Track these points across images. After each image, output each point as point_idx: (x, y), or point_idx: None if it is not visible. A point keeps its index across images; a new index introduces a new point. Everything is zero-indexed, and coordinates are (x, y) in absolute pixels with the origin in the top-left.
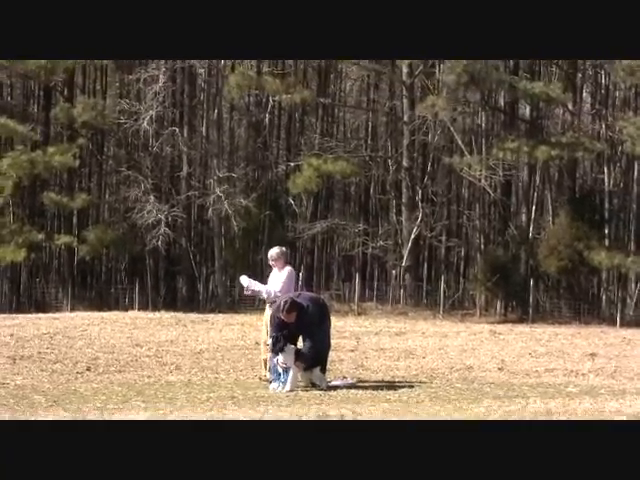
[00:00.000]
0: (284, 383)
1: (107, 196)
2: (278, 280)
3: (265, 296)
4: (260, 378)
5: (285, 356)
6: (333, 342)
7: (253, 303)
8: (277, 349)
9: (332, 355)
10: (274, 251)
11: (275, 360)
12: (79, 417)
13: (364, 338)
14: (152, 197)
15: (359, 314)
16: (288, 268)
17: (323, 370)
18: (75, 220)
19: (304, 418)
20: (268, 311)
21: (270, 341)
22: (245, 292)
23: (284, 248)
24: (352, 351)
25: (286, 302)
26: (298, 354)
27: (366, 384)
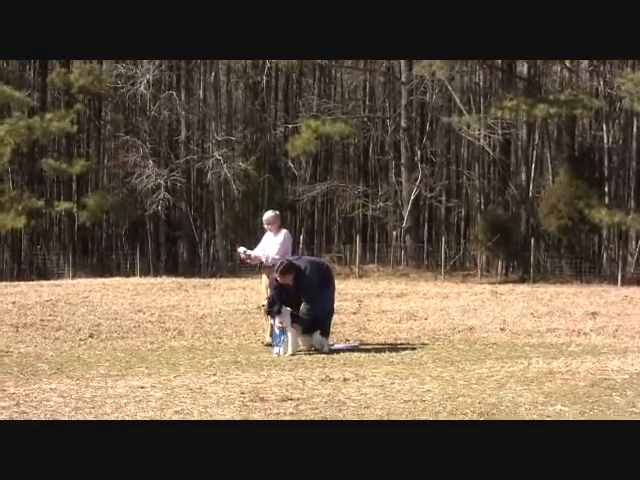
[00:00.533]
0: (282, 345)
1: (106, 161)
2: (275, 243)
3: (263, 260)
4: (262, 342)
5: (281, 317)
6: (335, 305)
7: (254, 267)
8: (273, 311)
9: (334, 318)
10: (269, 215)
11: (272, 321)
12: (83, 384)
13: (366, 300)
14: (151, 162)
15: (360, 276)
16: (284, 231)
17: (326, 334)
18: (74, 186)
19: (308, 382)
20: (264, 277)
21: (266, 302)
22: (242, 255)
23: (277, 212)
24: (354, 314)
25: (282, 263)
26: (295, 317)
27: (369, 346)
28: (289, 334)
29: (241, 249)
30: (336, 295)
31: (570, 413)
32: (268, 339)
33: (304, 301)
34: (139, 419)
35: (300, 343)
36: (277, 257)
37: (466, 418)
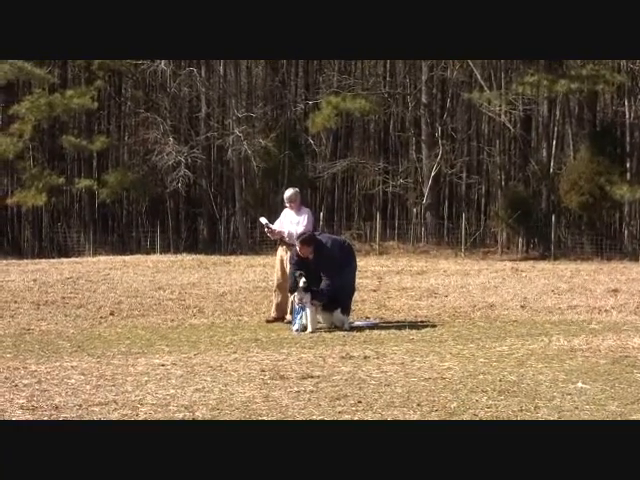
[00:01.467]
0: (301, 322)
1: (126, 138)
2: (298, 222)
3: (287, 238)
4: (267, 320)
5: (302, 294)
6: (356, 283)
7: (274, 244)
8: (294, 287)
9: (354, 295)
10: (290, 192)
11: (292, 298)
12: (104, 362)
13: (386, 278)
14: (171, 139)
15: (380, 253)
16: (307, 210)
17: (347, 312)
18: (95, 163)
19: (328, 360)
20: (280, 252)
21: (290, 280)
22: (265, 229)
23: (297, 189)
24: (374, 291)
25: (303, 234)
26: (315, 293)
27: (389, 324)
28: (309, 312)
29: (263, 220)
30: (357, 273)
31: (591, 391)
32: (288, 316)
33: (324, 277)
34: (142, 419)
35: (320, 320)
36: None
37: (486, 396)
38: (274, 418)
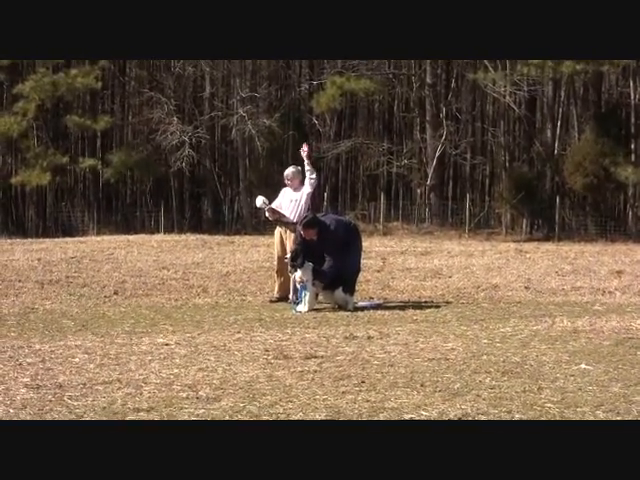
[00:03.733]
0: (301, 302)
1: (130, 118)
2: (297, 201)
3: (290, 218)
4: (271, 300)
5: (303, 273)
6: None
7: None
8: (295, 265)
9: (359, 276)
10: (290, 170)
11: (293, 276)
12: (108, 341)
13: (390, 258)
14: (175, 118)
15: (385, 234)
16: (305, 189)
17: (350, 292)
18: (99, 143)
19: (332, 340)
20: (278, 230)
21: (289, 256)
22: (265, 209)
23: (299, 167)
24: (378, 272)
25: (306, 217)
26: (317, 272)
27: (392, 304)
28: (308, 291)
29: (259, 201)
30: (361, 254)
31: (594, 372)
32: (291, 296)
33: (329, 257)
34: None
35: (321, 298)
36: (302, 214)
37: (490, 377)
38: (277, 397)
